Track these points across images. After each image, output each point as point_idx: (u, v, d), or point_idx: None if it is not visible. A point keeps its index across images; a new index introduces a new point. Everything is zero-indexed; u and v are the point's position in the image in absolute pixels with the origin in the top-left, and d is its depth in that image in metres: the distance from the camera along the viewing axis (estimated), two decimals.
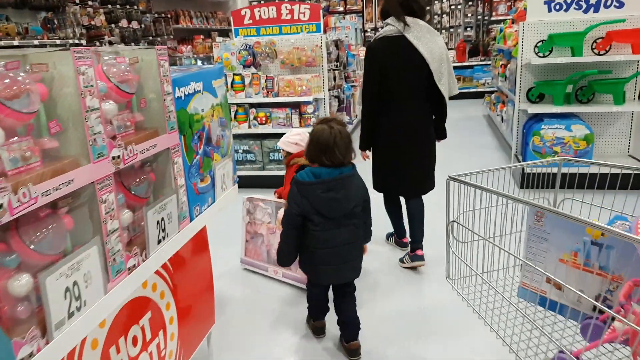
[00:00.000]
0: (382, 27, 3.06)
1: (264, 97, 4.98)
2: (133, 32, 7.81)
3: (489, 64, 9.31)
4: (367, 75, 2.92)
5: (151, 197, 1.63)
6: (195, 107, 1.91)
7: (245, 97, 5.00)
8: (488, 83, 10.05)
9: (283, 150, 3.29)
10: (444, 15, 11.07)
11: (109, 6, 7.31)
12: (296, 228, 2.22)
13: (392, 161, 3.04)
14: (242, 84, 4.98)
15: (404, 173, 3.04)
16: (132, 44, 7.80)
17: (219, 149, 2.13)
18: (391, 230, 3.56)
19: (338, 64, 6.67)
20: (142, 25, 8.12)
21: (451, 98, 3.00)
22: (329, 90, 5.69)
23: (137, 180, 1.56)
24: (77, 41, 6.40)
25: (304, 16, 5.25)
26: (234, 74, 4.96)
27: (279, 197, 3.30)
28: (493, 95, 7.56)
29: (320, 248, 2.21)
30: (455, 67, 8.37)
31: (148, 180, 1.61)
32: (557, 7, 4.51)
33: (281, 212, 3.13)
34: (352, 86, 7.86)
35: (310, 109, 4.97)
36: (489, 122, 7.66)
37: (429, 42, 2.82)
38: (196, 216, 1.89)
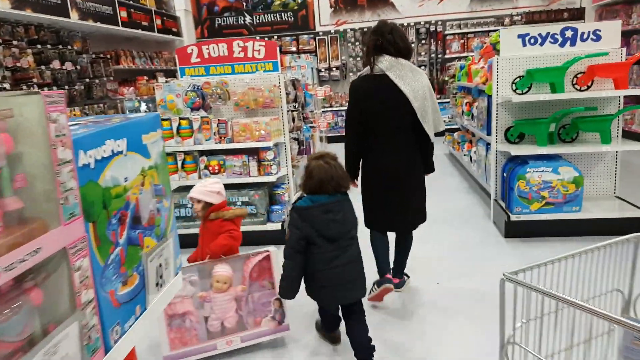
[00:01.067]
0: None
1: (216, 143, 4.37)
2: (67, 74, 7.07)
3: (447, 102, 9.14)
4: (350, 114, 2.91)
5: (36, 332, 0.98)
6: (114, 176, 1.28)
7: (194, 144, 4.38)
8: (446, 121, 9.86)
9: (198, 202, 2.84)
10: None
11: (39, 46, 6.58)
12: (300, 252, 2.34)
13: (382, 199, 2.98)
14: (190, 129, 4.36)
15: (395, 210, 2.99)
16: (66, 87, 7.05)
17: (152, 229, 1.49)
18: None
19: (296, 104, 6.19)
20: (78, 67, 7.40)
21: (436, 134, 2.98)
22: (289, 132, 5.17)
23: (5, 312, 0.91)
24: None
25: (259, 54, 4.75)
26: (180, 118, 4.35)
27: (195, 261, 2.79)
28: (456, 134, 7.28)
29: (324, 269, 2.34)
30: None
31: (27, 309, 0.97)
32: (532, 40, 4.23)
33: (223, 270, 2.67)
34: (311, 127, 7.40)
35: (270, 155, 4.40)
36: (454, 161, 7.36)
37: (411, 80, 2.78)
38: (115, 342, 1.24)
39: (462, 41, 10.41)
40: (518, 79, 4.13)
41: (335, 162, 2.40)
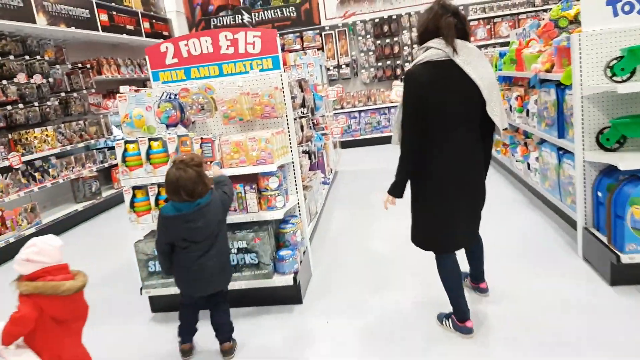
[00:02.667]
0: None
1: None
2: (37, 89, 6.00)
3: None
4: (409, 108, 2.44)
5: None
6: None
7: None
8: None
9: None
10: (415, 47, 9.77)
11: None
12: (164, 254, 2.62)
13: (455, 211, 2.52)
14: (165, 153, 3.24)
15: (468, 222, 2.62)
16: (37, 103, 5.98)
17: None
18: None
19: (305, 110, 5.05)
20: (50, 80, 6.32)
21: None
22: (298, 145, 4.04)
23: None
24: None
25: (254, 48, 3.61)
26: (149, 140, 3.22)
27: None
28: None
29: (190, 266, 2.57)
30: None
31: None
32: (627, 8, 3.05)
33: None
34: (323, 134, 6.26)
35: (273, 182, 3.26)
36: (497, 166, 6.15)
37: (479, 66, 2.38)
38: None
39: (488, 27, 9.20)
40: (616, 61, 2.94)
41: (191, 167, 2.47)
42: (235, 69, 3.64)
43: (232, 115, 3.34)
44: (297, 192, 3.69)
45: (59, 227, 5.66)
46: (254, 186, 3.26)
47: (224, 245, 2.71)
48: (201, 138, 3.25)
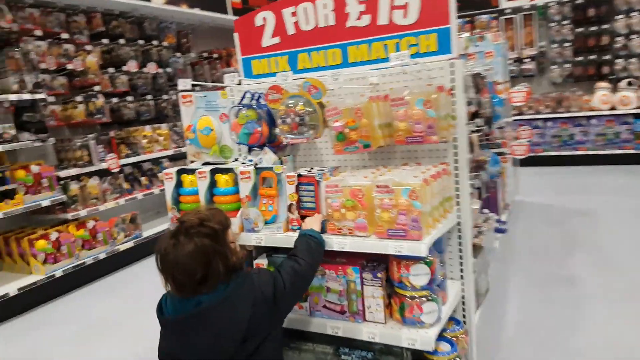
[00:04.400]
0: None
1: (291, 228, 1.82)
2: (152, 80, 5.19)
3: None
4: None
5: None
6: None
7: (241, 230, 1.88)
8: None
9: None
10: (635, 37, 7.10)
11: (105, 41, 4.74)
12: None
13: None
14: (233, 196, 1.88)
15: None
16: (149, 96, 5.21)
17: None
18: None
19: (480, 120, 3.30)
20: (170, 70, 5.48)
21: None
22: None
23: None
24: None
25: (406, 15, 2.03)
26: (213, 172, 1.88)
27: None
28: None
29: None
30: None
31: None
32: None
33: None
34: (498, 154, 4.39)
35: (420, 275, 1.67)
36: None
37: None
38: None
39: None
40: None
41: (196, 236, 1.40)
42: (368, 55, 2.10)
43: (352, 137, 1.81)
44: (462, 278, 2.05)
45: None
46: (379, 275, 1.72)
47: None
48: (298, 176, 1.80)
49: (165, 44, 5.44)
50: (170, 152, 5.18)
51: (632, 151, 6.53)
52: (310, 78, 1.84)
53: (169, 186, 2.00)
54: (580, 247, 3.75)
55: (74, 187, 4.01)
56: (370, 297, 1.74)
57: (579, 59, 7.36)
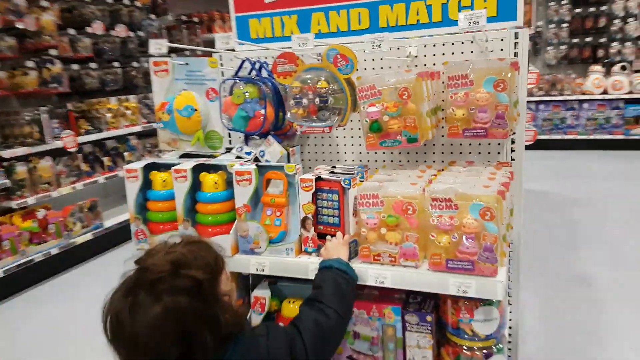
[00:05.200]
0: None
1: (305, 250, 1.33)
2: (120, 44, 4.55)
3: None
4: None
5: None
6: None
7: (238, 252, 1.38)
8: None
9: None
10: (632, 20, 6.77)
11: None
12: None
13: None
14: (226, 203, 1.37)
15: None
16: (117, 63, 4.56)
17: None
18: None
19: None
20: (142, 33, 4.86)
21: None
22: None
23: None
24: None
25: None
26: (195, 168, 1.36)
27: None
28: None
29: None
30: None
31: None
32: None
33: None
34: None
35: (486, 321, 1.22)
36: None
37: None
38: None
39: None
40: None
41: (170, 295, 0.89)
42: (405, 18, 1.60)
43: (393, 127, 1.32)
44: (510, 304, 1.62)
45: (127, 233, 4.19)
46: (428, 318, 1.26)
47: None
48: (316, 179, 1.30)
49: (137, 3, 4.79)
50: (138, 128, 4.57)
51: (621, 136, 6.40)
52: (338, 45, 1.33)
53: (132, 188, 1.47)
54: (583, 239, 3.57)
55: (21, 169, 3.40)
56: (414, 347, 1.28)
57: (575, 40, 7.02)
